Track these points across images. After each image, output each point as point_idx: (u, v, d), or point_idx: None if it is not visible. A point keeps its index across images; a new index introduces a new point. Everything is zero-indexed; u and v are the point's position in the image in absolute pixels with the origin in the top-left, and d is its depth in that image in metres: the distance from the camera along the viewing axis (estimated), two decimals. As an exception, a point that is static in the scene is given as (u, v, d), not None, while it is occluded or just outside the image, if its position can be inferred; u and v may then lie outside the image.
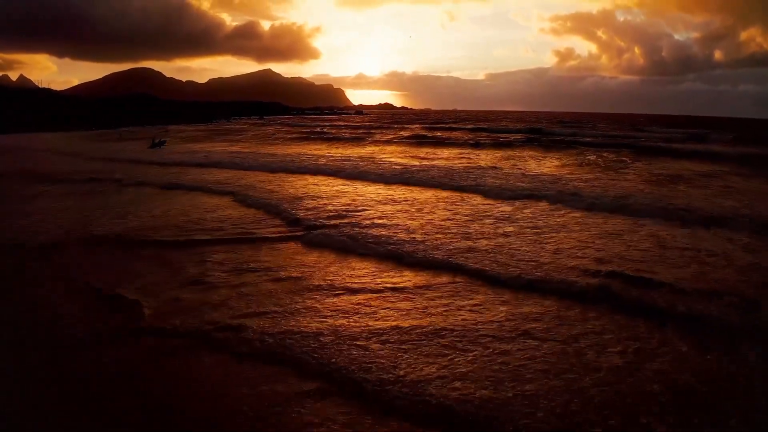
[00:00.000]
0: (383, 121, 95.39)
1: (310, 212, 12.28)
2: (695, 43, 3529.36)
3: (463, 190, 15.63)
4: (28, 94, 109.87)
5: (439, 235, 10.06)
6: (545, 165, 24.42)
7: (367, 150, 33.59)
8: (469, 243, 9.47)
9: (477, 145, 35.69)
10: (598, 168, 22.96)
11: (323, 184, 17.30)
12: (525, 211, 12.60)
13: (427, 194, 15.15)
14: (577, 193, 14.41)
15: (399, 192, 15.59)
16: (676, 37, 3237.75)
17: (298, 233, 10.50)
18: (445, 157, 28.55)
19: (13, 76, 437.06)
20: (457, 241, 9.59)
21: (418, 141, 39.95)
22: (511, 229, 10.72)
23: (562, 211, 12.47)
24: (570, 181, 17.14)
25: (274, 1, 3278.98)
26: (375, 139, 42.75)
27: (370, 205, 13.27)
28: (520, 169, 21.83)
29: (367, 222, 11.22)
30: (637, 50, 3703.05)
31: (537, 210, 12.73)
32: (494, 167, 21.83)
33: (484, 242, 9.53)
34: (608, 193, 14.71)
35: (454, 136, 43.25)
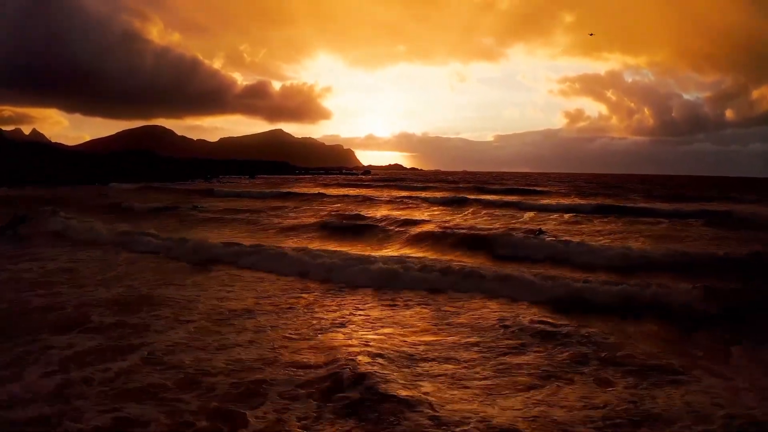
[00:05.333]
0: (373, 182, 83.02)
1: None
2: (706, 103, 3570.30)
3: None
4: (31, 148, 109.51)
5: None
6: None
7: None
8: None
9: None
10: None
11: None
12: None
13: None
14: None
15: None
16: (686, 97, 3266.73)
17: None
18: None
19: (26, 130, 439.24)
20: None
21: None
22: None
23: None
24: None
25: (284, 60, 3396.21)
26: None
27: None
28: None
29: None
30: (647, 111, 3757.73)
31: None
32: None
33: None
34: None
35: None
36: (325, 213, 28.82)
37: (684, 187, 73.53)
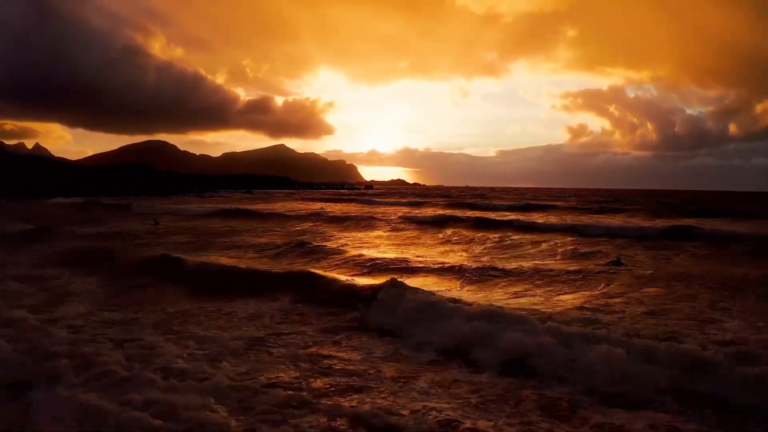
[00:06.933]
0: (369, 197, 78.22)
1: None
2: (709, 117, 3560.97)
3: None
4: (30, 161, 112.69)
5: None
6: None
7: None
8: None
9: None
10: None
11: None
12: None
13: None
14: None
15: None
16: (689, 111, 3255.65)
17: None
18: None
19: (29, 144, 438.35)
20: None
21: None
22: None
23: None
24: None
25: (287, 76, 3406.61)
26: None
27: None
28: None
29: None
30: (649, 125, 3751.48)
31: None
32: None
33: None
34: None
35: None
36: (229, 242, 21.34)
37: (696, 202, 68.07)
